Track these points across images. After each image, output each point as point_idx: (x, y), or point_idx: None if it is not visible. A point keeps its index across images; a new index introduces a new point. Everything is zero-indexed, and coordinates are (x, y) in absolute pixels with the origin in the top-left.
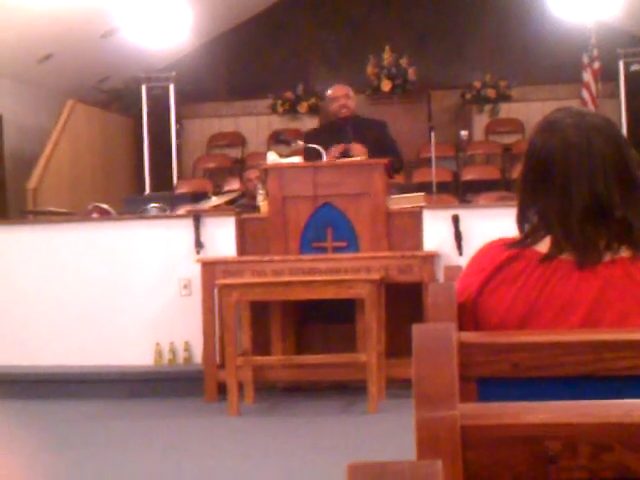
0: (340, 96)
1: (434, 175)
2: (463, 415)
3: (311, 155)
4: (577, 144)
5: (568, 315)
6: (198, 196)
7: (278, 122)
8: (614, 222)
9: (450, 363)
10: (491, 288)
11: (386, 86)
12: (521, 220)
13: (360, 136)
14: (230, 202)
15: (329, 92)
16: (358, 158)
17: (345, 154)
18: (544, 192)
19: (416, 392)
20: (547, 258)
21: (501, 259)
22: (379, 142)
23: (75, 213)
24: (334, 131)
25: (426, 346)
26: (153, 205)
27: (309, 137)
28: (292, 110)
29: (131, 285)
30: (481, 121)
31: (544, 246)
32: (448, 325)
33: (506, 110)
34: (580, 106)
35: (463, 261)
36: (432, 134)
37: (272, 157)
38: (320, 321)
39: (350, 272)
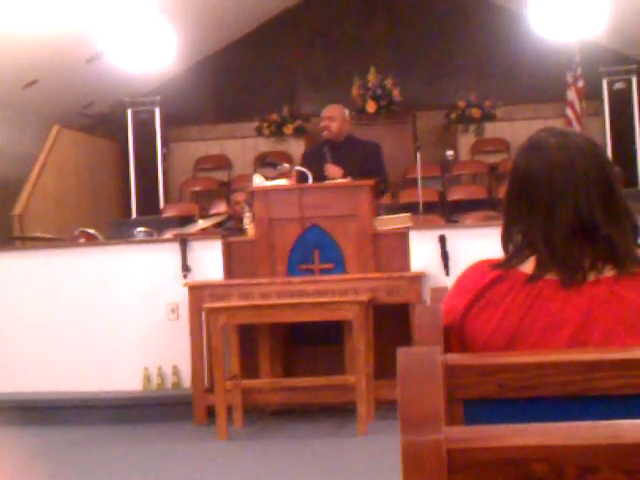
0: (324, 117)
1: (420, 195)
2: (449, 438)
3: (302, 178)
4: (560, 164)
5: (555, 335)
6: (185, 220)
7: (264, 144)
8: (598, 241)
9: (435, 386)
10: (477, 310)
11: (371, 107)
12: (506, 240)
13: (342, 157)
14: (217, 225)
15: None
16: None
17: (322, 178)
18: (528, 212)
19: (402, 416)
20: (532, 279)
21: (486, 281)
22: (363, 163)
23: (62, 238)
24: (318, 152)
25: (411, 370)
26: (140, 229)
27: (304, 158)
28: (278, 132)
29: (118, 310)
30: (467, 141)
31: (529, 266)
32: (433, 348)
33: (491, 130)
34: (564, 125)
35: (450, 281)
36: (418, 154)
37: (258, 180)
38: (308, 343)
39: (337, 294)
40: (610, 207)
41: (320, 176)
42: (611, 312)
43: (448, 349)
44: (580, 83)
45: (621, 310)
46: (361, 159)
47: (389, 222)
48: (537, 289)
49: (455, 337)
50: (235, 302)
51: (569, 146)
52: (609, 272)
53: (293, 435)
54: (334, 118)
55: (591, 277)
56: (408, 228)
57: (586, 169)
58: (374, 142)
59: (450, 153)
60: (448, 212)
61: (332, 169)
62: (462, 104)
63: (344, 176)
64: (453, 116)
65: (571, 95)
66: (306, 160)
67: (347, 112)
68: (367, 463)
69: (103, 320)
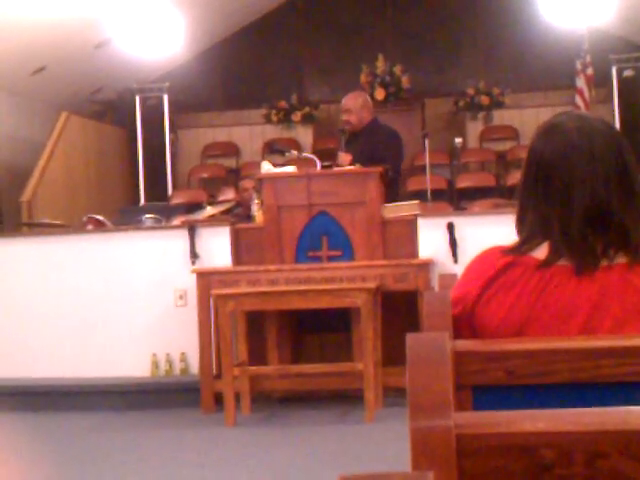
0: (343, 110)
1: (429, 183)
2: (458, 424)
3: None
4: (579, 148)
5: (566, 322)
6: (193, 206)
7: (272, 131)
8: (612, 228)
9: (444, 372)
10: (488, 296)
11: (380, 94)
12: (520, 225)
13: (356, 144)
14: (225, 212)
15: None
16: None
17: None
18: (544, 196)
19: (410, 402)
20: (545, 264)
21: (498, 266)
22: (373, 149)
23: (70, 225)
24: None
25: (420, 355)
26: (148, 216)
27: None
28: (286, 119)
29: (127, 296)
30: (475, 128)
31: (541, 252)
32: (442, 334)
33: (500, 117)
34: (574, 110)
35: (458, 269)
36: (426, 142)
37: (266, 167)
38: (316, 330)
39: (345, 281)
40: (626, 193)
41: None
42: (623, 300)
43: (459, 336)
44: (589, 70)
45: (633, 298)
46: (372, 146)
47: (397, 209)
48: (549, 275)
49: (466, 324)
50: (243, 289)
51: (588, 131)
52: (621, 259)
53: (301, 422)
54: (350, 111)
55: (603, 264)
56: (416, 215)
57: (604, 154)
58: (391, 129)
59: (458, 140)
60: (456, 200)
61: (341, 157)
62: (471, 91)
63: (352, 163)
64: (461, 103)
65: (580, 82)
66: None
67: (366, 98)
68: (375, 450)
69: (111, 306)
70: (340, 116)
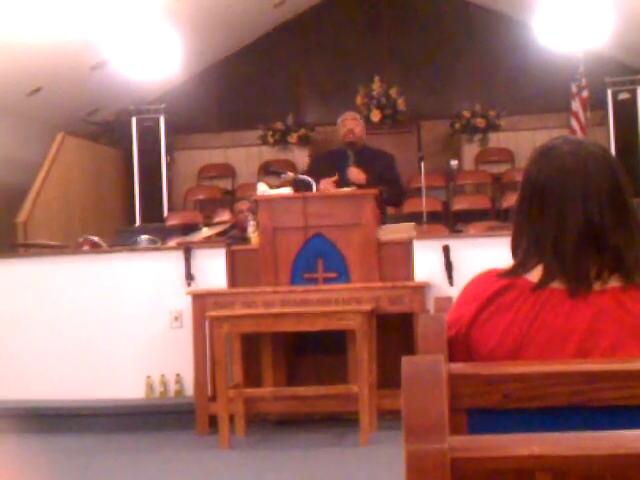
0: (348, 119)
1: (424, 205)
2: (453, 448)
3: (300, 187)
4: (573, 170)
5: (561, 345)
6: (189, 228)
7: (268, 153)
8: (606, 250)
9: (439, 395)
10: (484, 319)
11: (376, 116)
12: (515, 247)
13: (363, 164)
14: (221, 234)
15: (339, 118)
16: (345, 187)
17: (343, 182)
18: (538, 218)
19: (406, 425)
20: (539, 287)
21: (493, 289)
22: (382, 173)
23: (66, 246)
24: (338, 157)
25: (415, 379)
26: (144, 237)
27: (314, 163)
28: (282, 141)
29: (122, 318)
30: (471, 151)
31: (536, 275)
32: (437, 357)
33: (495, 139)
34: (569, 135)
35: (454, 291)
36: (422, 164)
37: (262, 188)
38: (311, 352)
39: (341, 303)
40: (620, 216)
41: (343, 179)
42: (617, 323)
43: (455, 359)
44: (584, 93)
45: (628, 321)
46: (379, 168)
47: (393, 231)
48: (543, 298)
49: (461, 347)
50: (238, 311)
51: (582, 153)
52: (615, 282)
53: (295, 444)
54: (358, 122)
55: (597, 287)
56: (412, 238)
57: (599, 177)
58: (389, 153)
59: (454, 163)
60: (452, 222)
61: (355, 172)
62: (467, 114)
63: (367, 181)
64: (457, 126)
65: (575, 105)
66: (320, 163)
67: None
68: (370, 473)
69: (106, 328)
70: (341, 127)
